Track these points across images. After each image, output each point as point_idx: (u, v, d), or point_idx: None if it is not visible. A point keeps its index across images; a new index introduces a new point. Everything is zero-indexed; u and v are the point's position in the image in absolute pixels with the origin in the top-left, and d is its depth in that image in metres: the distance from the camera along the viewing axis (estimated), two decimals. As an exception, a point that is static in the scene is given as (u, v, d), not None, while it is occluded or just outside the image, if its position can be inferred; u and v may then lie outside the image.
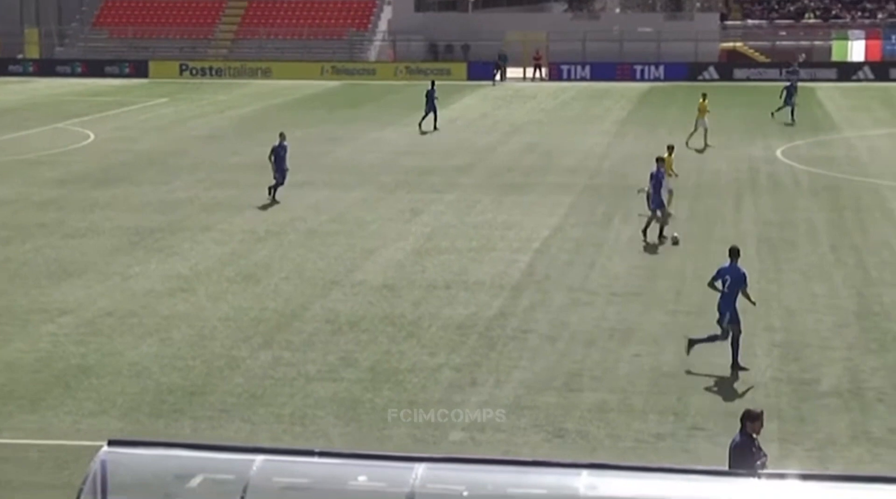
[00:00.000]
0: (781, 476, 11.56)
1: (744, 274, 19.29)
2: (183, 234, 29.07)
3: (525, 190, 34.85)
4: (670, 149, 31.79)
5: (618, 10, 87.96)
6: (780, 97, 49.46)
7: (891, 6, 79.61)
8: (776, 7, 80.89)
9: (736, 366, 18.95)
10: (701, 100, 42.99)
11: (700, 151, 41.43)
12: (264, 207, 32.14)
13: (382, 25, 78.97)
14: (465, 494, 11.47)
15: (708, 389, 18.44)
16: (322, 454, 11.74)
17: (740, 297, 19.10)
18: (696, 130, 42.35)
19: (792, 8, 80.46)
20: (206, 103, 59.18)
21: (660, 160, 28.49)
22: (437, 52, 76.91)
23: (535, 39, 72.94)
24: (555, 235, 28.83)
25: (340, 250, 27.43)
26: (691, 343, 19.47)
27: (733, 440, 13.28)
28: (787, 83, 50.69)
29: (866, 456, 15.82)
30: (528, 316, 22.28)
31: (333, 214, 31.47)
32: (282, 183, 32.89)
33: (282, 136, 33.33)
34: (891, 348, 20.06)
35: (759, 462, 12.94)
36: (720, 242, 27.50)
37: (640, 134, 47.11)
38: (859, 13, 79.13)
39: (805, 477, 11.71)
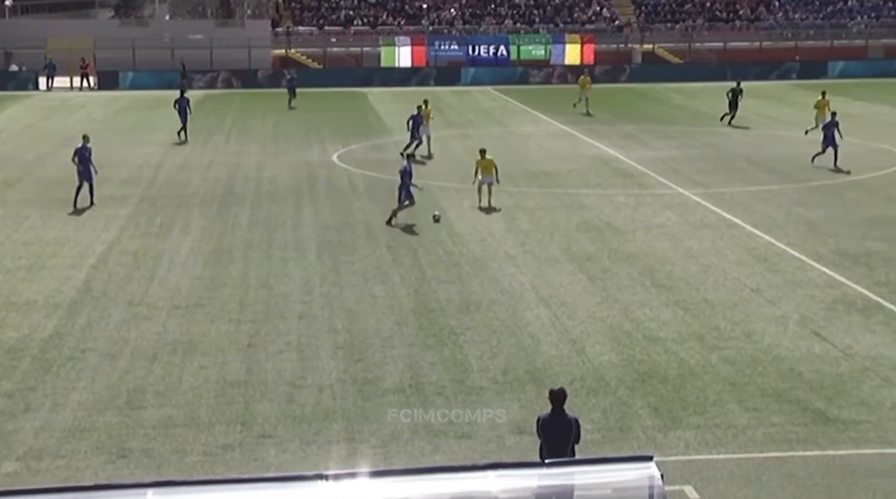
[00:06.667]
0: (350, 475, 11.63)
1: (409, 170, 30.55)
2: None
3: (78, 203, 33.51)
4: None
5: (168, 17, 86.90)
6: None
7: (433, 14, 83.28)
8: (325, 14, 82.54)
9: (397, 212, 30.40)
10: (424, 106, 43.05)
11: (428, 158, 41.42)
12: None
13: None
14: (20, 529, 10.77)
15: (274, 396, 18.36)
16: None
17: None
18: (425, 138, 42.24)
19: (342, 15, 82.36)
20: None
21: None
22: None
23: (81, 47, 70.59)
24: (111, 249, 27.86)
25: None
26: (420, 198, 30.97)
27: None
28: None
29: (427, 448, 16.27)
30: (86, 334, 21.34)
31: None
32: (90, 181, 33.13)
33: (85, 138, 33.80)
34: (447, 343, 20.80)
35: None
36: (281, 249, 27.69)
37: (196, 142, 46.63)
38: (404, 20, 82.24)
39: (373, 474, 11.87)
